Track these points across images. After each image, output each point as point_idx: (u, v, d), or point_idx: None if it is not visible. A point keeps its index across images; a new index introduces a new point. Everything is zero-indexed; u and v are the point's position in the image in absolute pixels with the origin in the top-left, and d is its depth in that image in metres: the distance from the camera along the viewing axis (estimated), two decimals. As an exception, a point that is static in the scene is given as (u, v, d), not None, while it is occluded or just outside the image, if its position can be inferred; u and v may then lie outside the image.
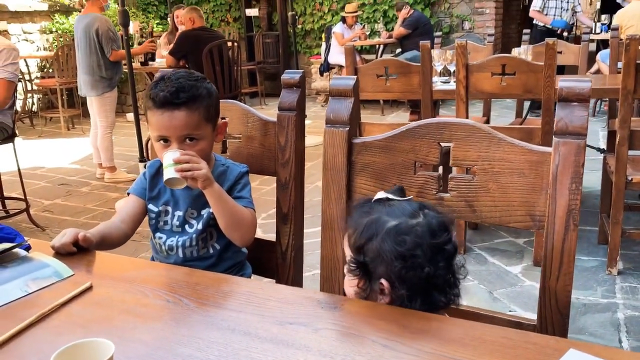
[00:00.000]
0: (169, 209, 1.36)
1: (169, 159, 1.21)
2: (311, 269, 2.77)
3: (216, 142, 1.39)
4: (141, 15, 9.11)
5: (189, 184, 1.23)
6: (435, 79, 3.21)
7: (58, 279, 1.03)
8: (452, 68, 3.23)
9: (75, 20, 4.70)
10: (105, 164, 4.69)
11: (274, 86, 9.20)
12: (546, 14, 6.39)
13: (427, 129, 1.15)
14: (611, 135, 3.09)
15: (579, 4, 6.45)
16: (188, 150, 1.24)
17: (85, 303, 0.95)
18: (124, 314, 0.91)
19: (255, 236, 1.38)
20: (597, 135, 5.49)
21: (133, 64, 4.89)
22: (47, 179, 4.89)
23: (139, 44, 6.02)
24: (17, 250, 1.14)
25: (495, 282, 2.68)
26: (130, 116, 6.49)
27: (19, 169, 3.59)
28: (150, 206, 1.37)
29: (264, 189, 4.13)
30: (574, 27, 7.21)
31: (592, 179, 3.78)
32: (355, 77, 1.24)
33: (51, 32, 7.94)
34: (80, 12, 4.89)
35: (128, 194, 1.40)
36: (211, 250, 1.36)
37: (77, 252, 1.14)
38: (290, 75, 1.36)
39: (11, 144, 3.42)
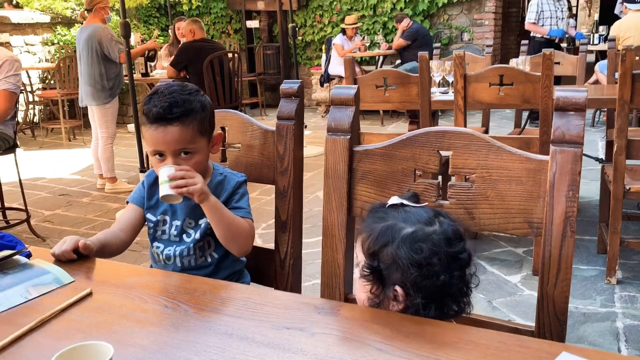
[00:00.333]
0: (167, 218, 1.37)
1: (164, 175, 1.21)
2: (311, 279, 2.78)
3: (212, 154, 1.39)
4: (142, 27, 9.17)
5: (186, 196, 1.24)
6: (433, 89, 3.24)
7: (58, 285, 1.05)
8: (450, 79, 3.25)
9: (77, 32, 4.74)
10: (106, 174, 4.71)
11: (275, 97, 9.24)
12: (542, 25, 6.37)
13: (426, 137, 1.16)
14: (609, 145, 3.10)
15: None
16: (183, 165, 1.24)
17: (85, 309, 0.96)
18: (123, 320, 0.92)
19: (254, 244, 1.39)
20: (597, 145, 5.51)
21: (134, 75, 4.92)
22: (48, 189, 4.90)
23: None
24: (17, 257, 1.15)
25: (495, 292, 2.68)
26: (131, 127, 6.52)
27: (20, 180, 3.61)
28: (149, 215, 1.38)
29: (263, 199, 4.14)
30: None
31: (591, 189, 3.79)
32: (356, 86, 1.25)
33: (53, 43, 7.98)
34: (82, 24, 4.93)
35: (127, 202, 1.41)
36: (209, 260, 1.36)
37: (77, 259, 1.16)
38: (288, 85, 1.37)
39: (12, 154, 3.43)
